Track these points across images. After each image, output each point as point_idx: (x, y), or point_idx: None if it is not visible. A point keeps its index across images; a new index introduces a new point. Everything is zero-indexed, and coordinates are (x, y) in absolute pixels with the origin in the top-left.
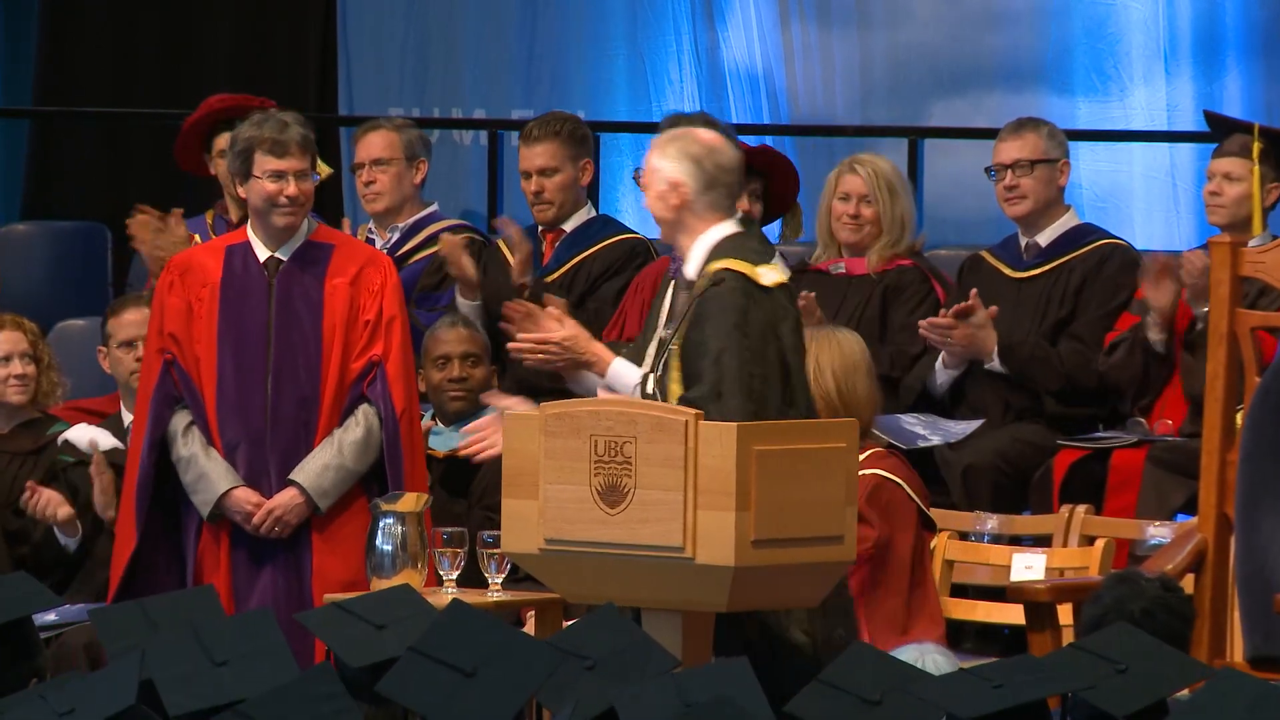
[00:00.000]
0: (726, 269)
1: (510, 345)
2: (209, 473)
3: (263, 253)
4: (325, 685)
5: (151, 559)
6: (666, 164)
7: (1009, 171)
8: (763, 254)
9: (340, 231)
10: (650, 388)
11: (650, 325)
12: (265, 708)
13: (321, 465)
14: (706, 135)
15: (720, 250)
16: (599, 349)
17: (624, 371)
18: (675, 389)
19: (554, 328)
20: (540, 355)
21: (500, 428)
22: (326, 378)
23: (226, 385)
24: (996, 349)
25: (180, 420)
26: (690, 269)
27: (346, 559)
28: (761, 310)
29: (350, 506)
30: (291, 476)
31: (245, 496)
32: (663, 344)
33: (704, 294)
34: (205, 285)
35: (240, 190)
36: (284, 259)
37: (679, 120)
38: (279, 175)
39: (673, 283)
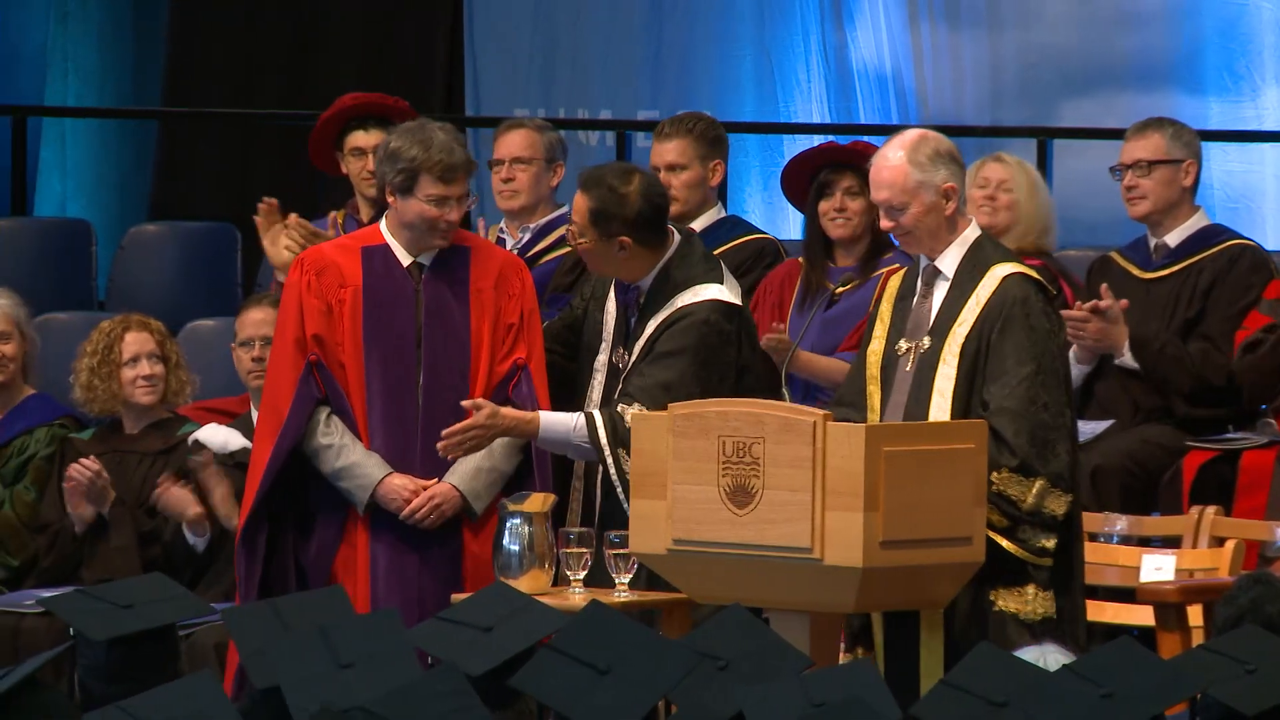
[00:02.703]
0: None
1: (439, 446)
2: (362, 460)
3: (405, 257)
4: (450, 684)
5: (279, 566)
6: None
7: (1129, 172)
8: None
9: (467, 231)
10: (604, 421)
11: (588, 347)
12: (390, 708)
13: (474, 468)
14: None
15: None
16: (518, 414)
17: (556, 423)
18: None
19: (476, 416)
20: (470, 444)
21: (488, 432)
22: (476, 384)
23: (374, 394)
24: (1128, 343)
25: (319, 412)
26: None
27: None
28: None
29: (493, 507)
30: (447, 479)
31: (403, 483)
32: (613, 367)
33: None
34: (345, 287)
35: (391, 199)
36: (426, 264)
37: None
38: (444, 201)
39: (618, 303)
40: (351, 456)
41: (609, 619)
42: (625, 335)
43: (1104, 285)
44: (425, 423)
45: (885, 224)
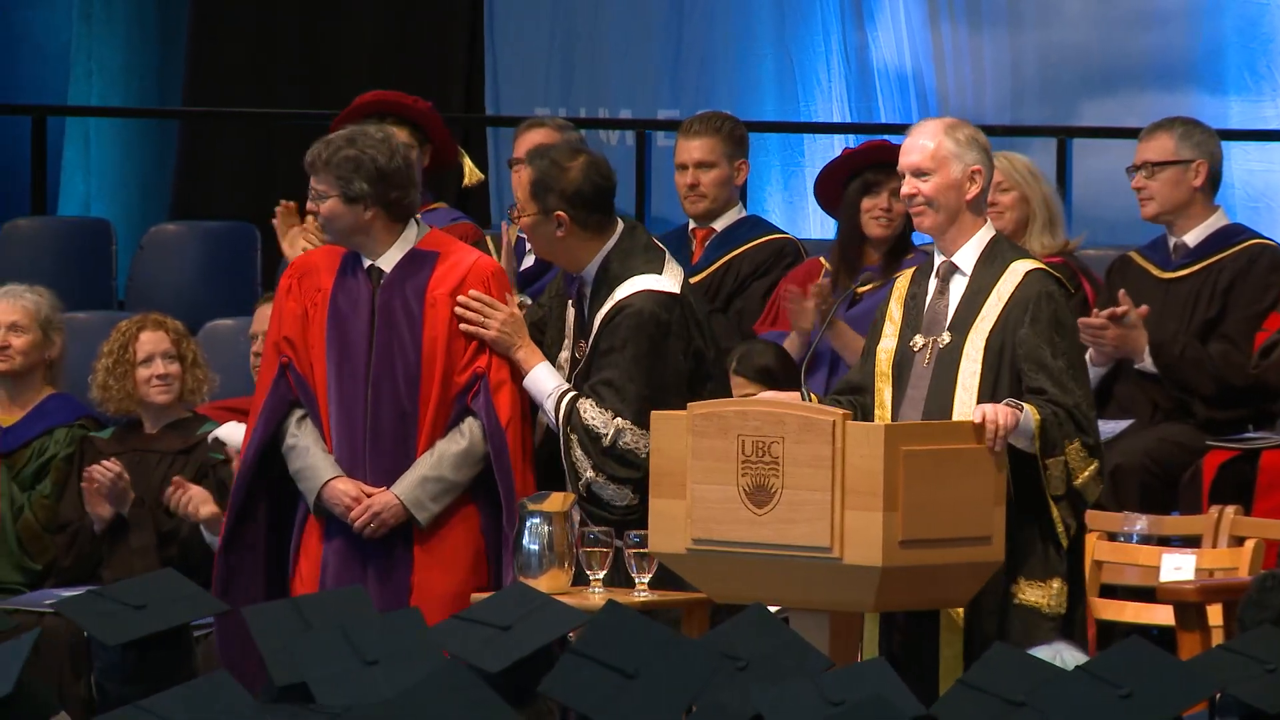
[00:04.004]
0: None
1: (459, 298)
2: (316, 463)
3: (368, 260)
4: (465, 681)
5: (238, 564)
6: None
7: (1138, 173)
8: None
9: (450, 238)
10: (565, 404)
11: (553, 344)
12: (409, 706)
13: (420, 477)
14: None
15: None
16: (533, 345)
17: (545, 376)
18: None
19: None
20: (477, 317)
21: (502, 324)
22: (427, 393)
23: (332, 399)
24: (1148, 348)
25: (293, 414)
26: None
27: (451, 572)
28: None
29: (454, 519)
30: (392, 489)
31: (346, 488)
32: (575, 363)
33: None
34: (319, 290)
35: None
36: (386, 269)
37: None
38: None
39: (569, 302)
40: (307, 459)
41: (630, 620)
42: (581, 328)
43: (1122, 291)
44: (372, 431)
45: (906, 190)
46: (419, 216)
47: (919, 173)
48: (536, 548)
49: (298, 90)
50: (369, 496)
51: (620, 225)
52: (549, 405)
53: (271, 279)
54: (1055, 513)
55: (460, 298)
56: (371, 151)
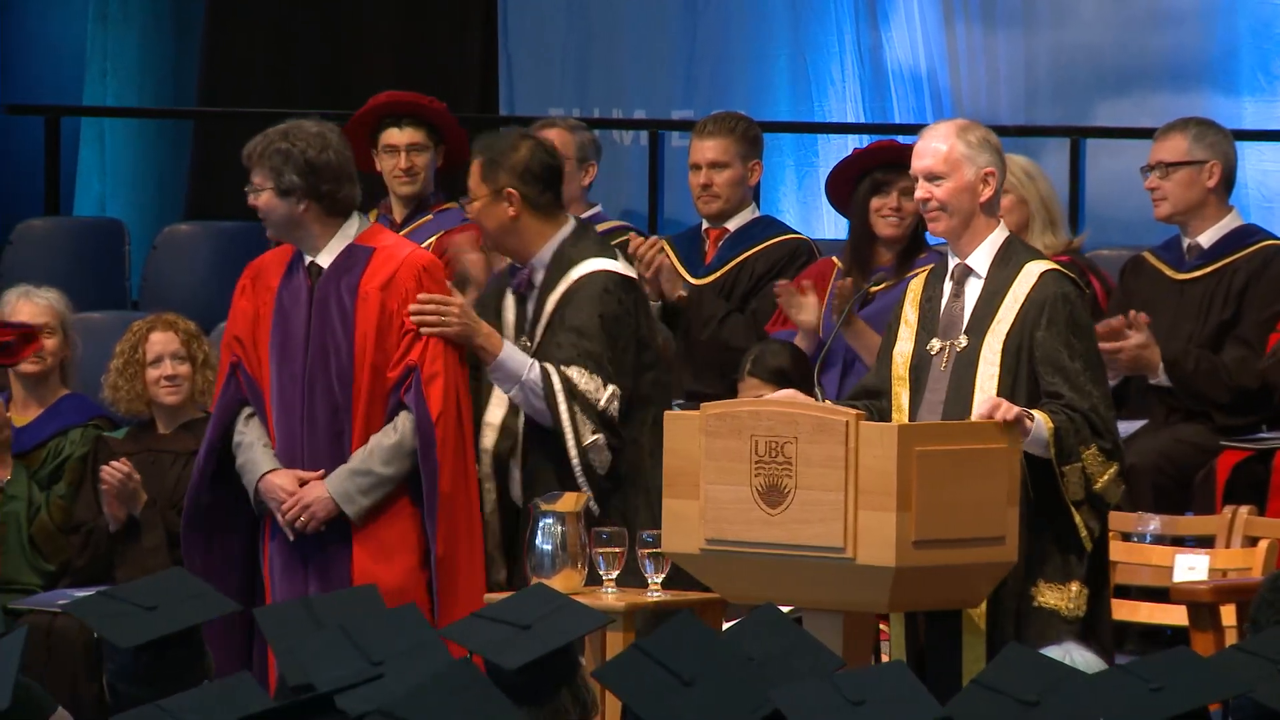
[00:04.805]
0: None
1: (411, 306)
2: (255, 457)
3: (308, 257)
4: (472, 681)
5: (195, 563)
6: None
7: (1152, 173)
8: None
9: (389, 233)
10: (557, 374)
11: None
12: (414, 707)
13: (349, 470)
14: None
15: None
16: (491, 329)
17: (516, 353)
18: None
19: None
20: (435, 318)
21: (458, 314)
22: (358, 387)
23: (274, 393)
24: (1162, 364)
25: (244, 411)
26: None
27: (392, 565)
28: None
29: (390, 511)
30: (325, 482)
31: (281, 481)
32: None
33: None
34: (269, 290)
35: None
36: (324, 265)
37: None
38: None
39: (511, 295)
40: (249, 454)
41: (700, 632)
42: (524, 322)
43: (1130, 313)
44: (308, 426)
45: (920, 195)
46: (381, 213)
47: (932, 177)
48: (550, 548)
49: (313, 90)
50: (303, 488)
51: (572, 220)
52: (532, 376)
53: None
54: (1077, 518)
55: (412, 305)
56: (302, 144)
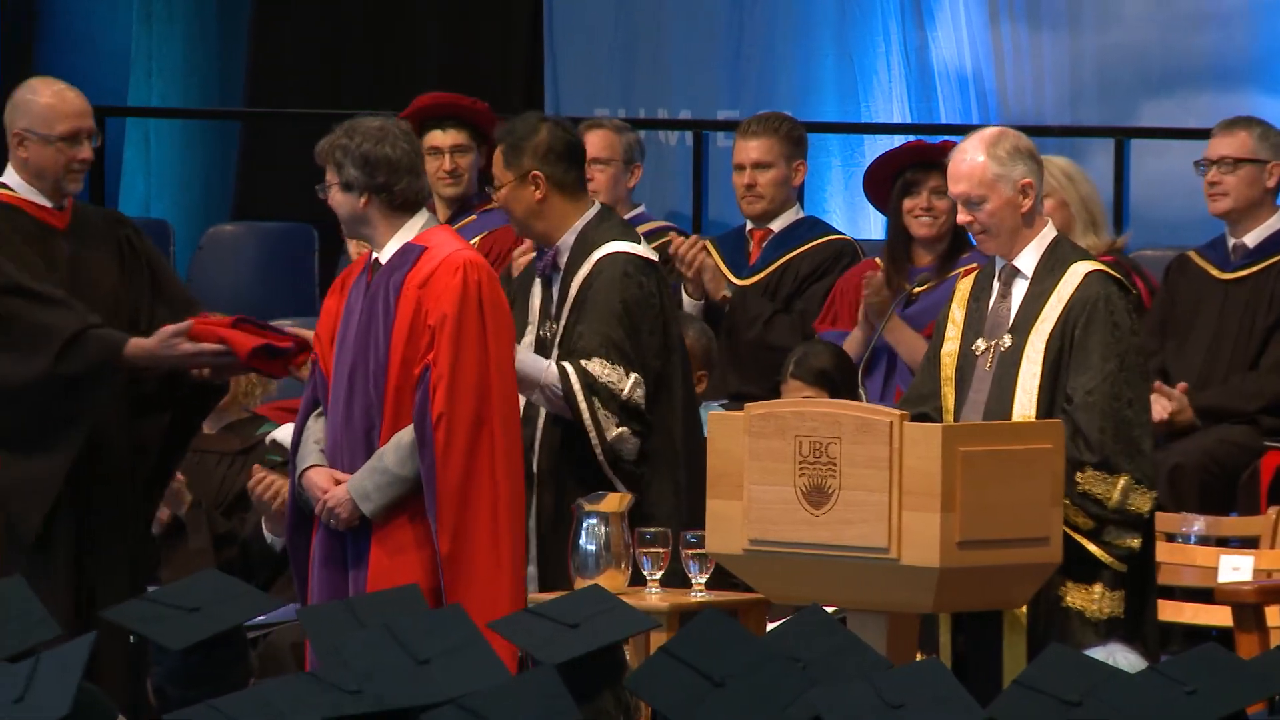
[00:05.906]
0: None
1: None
2: (303, 453)
3: (374, 255)
4: (547, 685)
5: (300, 564)
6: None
7: (1214, 167)
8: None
9: (444, 231)
10: (576, 370)
11: (519, 322)
12: (487, 705)
13: (368, 468)
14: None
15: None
16: None
17: (529, 361)
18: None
19: None
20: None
21: None
22: (389, 385)
23: (331, 392)
24: (1196, 416)
25: (318, 408)
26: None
27: (404, 568)
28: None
29: (408, 510)
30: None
31: (317, 479)
32: (542, 342)
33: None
34: (352, 289)
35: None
36: (384, 263)
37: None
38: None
39: (538, 279)
40: (300, 451)
41: (728, 629)
42: (550, 307)
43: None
44: (346, 425)
45: (962, 218)
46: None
47: (970, 201)
48: (594, 548)
49: (359, 90)
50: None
51: (596, 204)
52: (549, 378)
53: (329, 280)
54: (1094, 549)
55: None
56: (359, 138)
